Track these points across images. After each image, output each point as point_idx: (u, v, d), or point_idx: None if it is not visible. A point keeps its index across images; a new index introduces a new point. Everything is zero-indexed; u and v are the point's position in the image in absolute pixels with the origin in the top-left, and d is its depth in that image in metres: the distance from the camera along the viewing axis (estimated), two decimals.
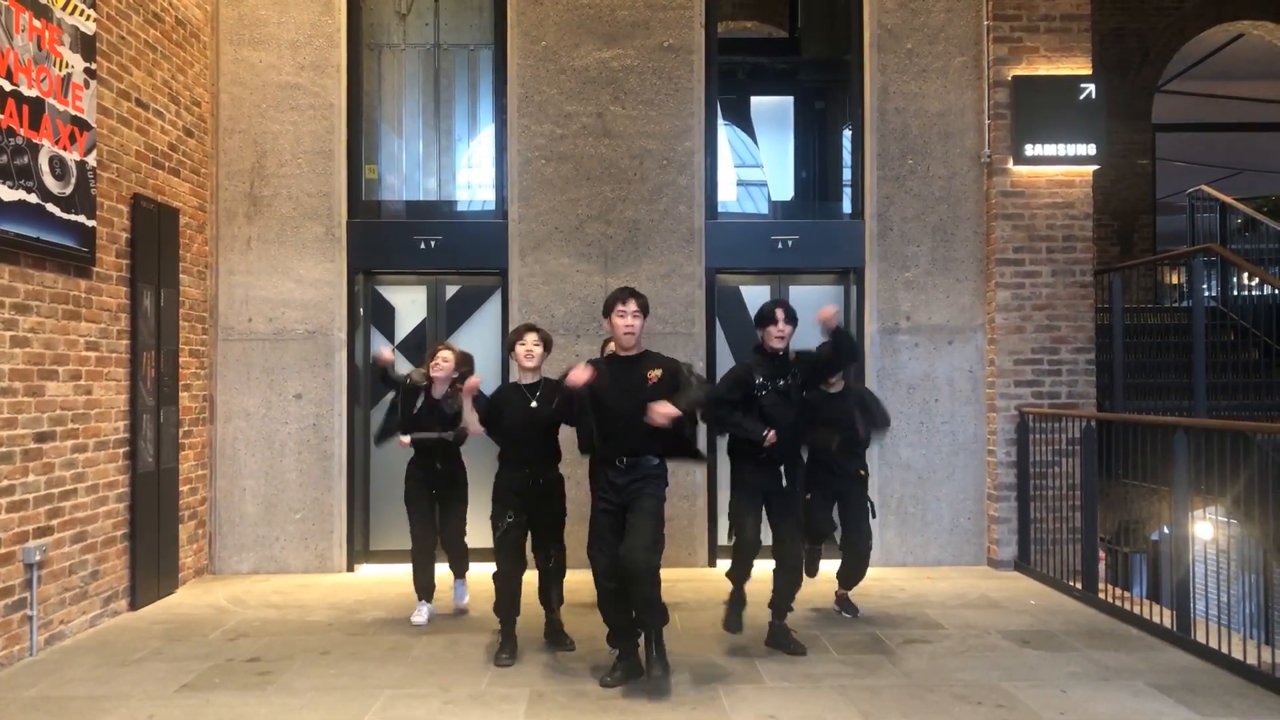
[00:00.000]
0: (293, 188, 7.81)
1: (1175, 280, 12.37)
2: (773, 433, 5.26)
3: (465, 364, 6.12)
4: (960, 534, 7.85)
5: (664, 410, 4.70)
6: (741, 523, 5.39)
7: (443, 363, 6.05)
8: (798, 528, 5.57)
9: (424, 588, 6.24)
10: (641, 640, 4.92)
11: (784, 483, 5.41)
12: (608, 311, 5.03)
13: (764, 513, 5.47)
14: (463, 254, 7.93)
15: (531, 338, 5.43)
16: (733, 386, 5.50)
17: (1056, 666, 5.20)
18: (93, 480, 6.08)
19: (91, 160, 5.96)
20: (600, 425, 4.90)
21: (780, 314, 5.54)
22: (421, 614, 6.17)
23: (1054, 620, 6.17)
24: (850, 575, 6.23)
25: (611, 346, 5.46)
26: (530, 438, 5.34)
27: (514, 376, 5.65)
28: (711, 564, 7.86)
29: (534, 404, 5.31)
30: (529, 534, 5.44)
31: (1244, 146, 14.86)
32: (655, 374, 4.93)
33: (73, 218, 5.74)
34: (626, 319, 4.95)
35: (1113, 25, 11.78)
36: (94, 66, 6.01)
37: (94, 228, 5.99)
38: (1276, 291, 8.32)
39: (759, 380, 5.42)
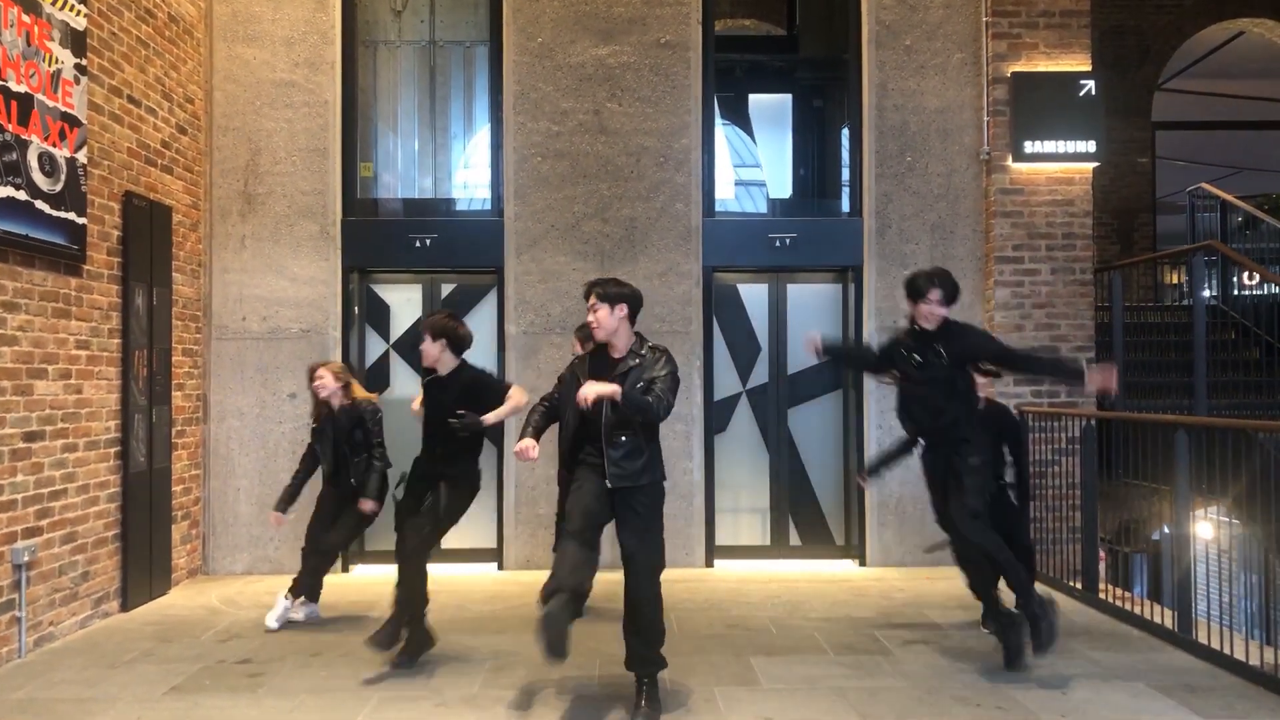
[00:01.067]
0: (287, 185, 7.75)
1: (1174, 280, 12.34)
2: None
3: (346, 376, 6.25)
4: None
5: (594, 390, 4.29)
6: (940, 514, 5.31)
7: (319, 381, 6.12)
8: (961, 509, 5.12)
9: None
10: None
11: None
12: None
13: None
14: (458, 252, 7.87)
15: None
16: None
17: (1056, 668, 5.14)
18: (83, 480, 6.01)
19: (82, 157, 5.90)
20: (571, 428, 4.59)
21: (936, 293, 5.10)
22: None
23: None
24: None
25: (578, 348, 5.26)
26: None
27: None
28: (709, 564, 7.80)
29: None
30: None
31: (1242, 145, 14.81)
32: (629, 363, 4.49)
33: (62, 215, 5.68)
34: (590, 315, 4.56)
35: (1112, 23, 11.72)
36: (84, 62, 5.94)
37: (84, 225, 5.93)
38: (1278, 290, 8.26)
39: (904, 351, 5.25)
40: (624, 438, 4.41)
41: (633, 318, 4.55)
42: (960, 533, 5.13)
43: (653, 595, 4.46)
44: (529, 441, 4.48)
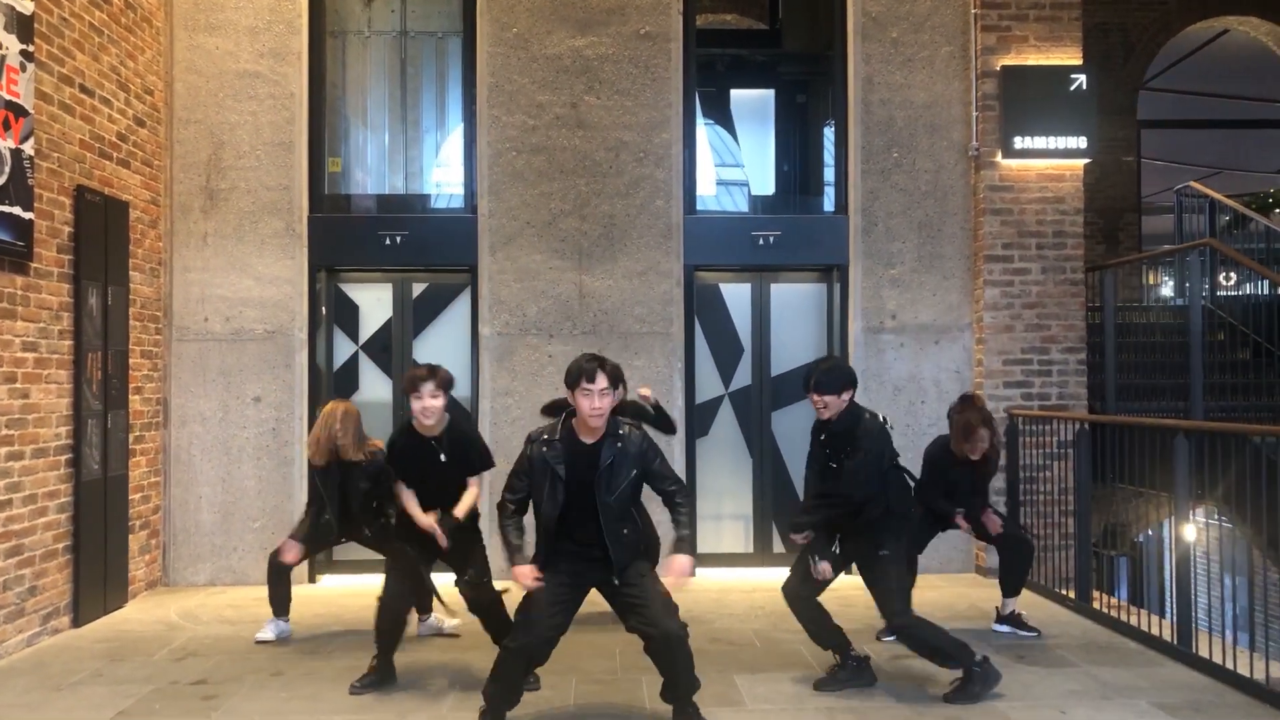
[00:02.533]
0: (251, 181, 7.45)
1: (1154, 280, 12.21)
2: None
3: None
4: (947, 541, 7.54)
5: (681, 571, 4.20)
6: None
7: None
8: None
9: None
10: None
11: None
12: (572, 384, 4.13)
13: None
14: (430, 250, 7.58)
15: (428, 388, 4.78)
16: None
17: (1054, 684, 4.92)
18: (30, 490, 5.69)
19: (28, 149, 5.58)
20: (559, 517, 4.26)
21: (810, 382, 4.84)
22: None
23: (1048, 632, 5.89)
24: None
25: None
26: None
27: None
28: (690, 573, 7.53)
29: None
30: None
31: (1224, 145, 14.74)
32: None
33: (7, 210, 5.36)
34: (593, 399, 4.08)
35: (1098, 20, 11.56)
36: (31, 49, 5.62)
37: (31, 220, 5.60)
38: (1278, 290, 8.09)
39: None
40: (626, 530, 4.22)
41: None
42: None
43: (680, 630, 4.15)
44: (530, 568, 4.18)
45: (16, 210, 5.46)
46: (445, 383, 4.80)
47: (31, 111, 5.62)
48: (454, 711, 4.56)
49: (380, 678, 4.89)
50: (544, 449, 4.22)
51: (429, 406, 4.73)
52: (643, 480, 4.27)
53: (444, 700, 4.72)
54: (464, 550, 4.94)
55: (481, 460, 4.98)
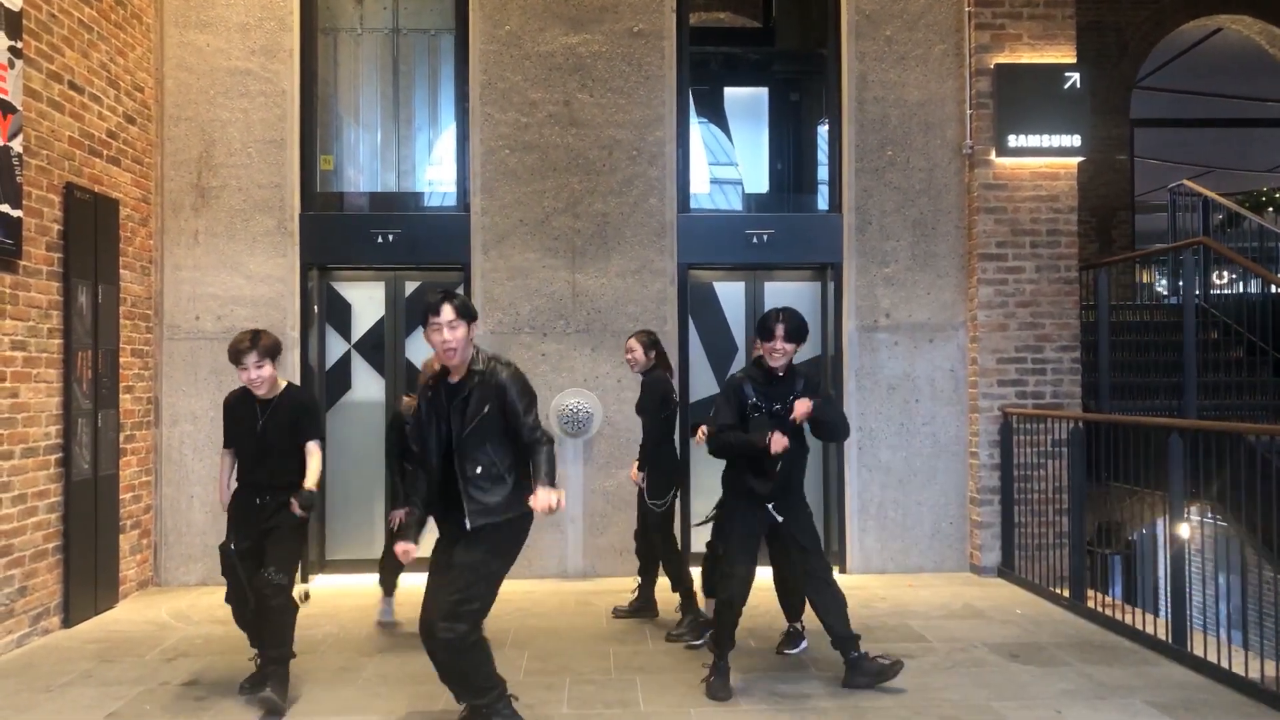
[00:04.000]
0: (243, 178, 7.40)
1: (1146, 278, 12.22)
2: (778, 436, 4.66)
3: None
4: (942, 539, 7.57)
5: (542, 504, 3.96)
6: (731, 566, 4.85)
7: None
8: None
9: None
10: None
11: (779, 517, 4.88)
12: (422, 323, 4.06)
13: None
14: (423, 248, 7.55)
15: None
16: (725, 407, 4.89)
17: (1048, 683, 4.91)
18: (20, 490, 5.65)
19: (17, 146, 5.53)
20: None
21: (780, 329, 4.80)
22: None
23: (1042, 631, 5.88)
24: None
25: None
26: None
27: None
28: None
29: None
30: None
31: (1217, 143, 14.75)
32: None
33: None
34: (442, 333, 3.98)
35: (1091, 18, 11.56)
36: (19, 45, 5.58)
37: (19, 218, 5.56)
38: (1273, 288, 8.09)
39: (753, 400, 4.86)
40: (480, 472, 4.02)
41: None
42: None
43: (445, 632, 3.94)
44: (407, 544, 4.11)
45: (5, 208, 5.41)
46: (269, 350, 4.65)
47: (20, 108, 5.58)
48: (447, 712, 4.53)
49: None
50: (426, 394, 4.17)
51: (254, 379, 4.62)
52: (504, 420, 4.04)
53: (436, 702, 4.68)
54: (275, 539, 4.65)
55: (313, 427, 4.74)
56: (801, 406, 4.76)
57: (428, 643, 3.99)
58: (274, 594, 4.57)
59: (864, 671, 4.84)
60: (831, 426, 5.00)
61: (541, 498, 3.94)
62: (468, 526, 3.96)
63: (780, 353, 4.81)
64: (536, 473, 4.05)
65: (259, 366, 4.61)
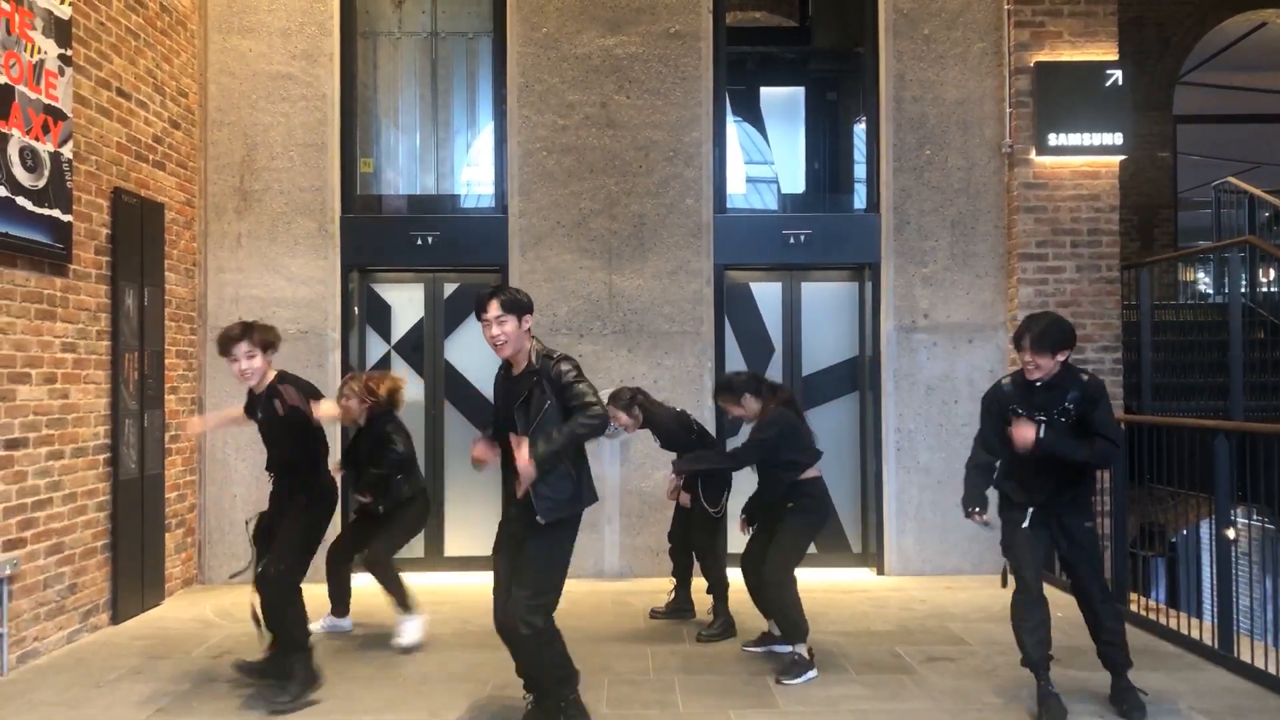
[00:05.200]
0: (284, 182, 7.50)
1: (1189, 277, 12.03)
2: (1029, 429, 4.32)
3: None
4: (980, 541, 7.49)
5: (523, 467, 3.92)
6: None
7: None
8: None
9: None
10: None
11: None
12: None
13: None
14: (461, 250, 7.61)
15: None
16: (984, 420, 4.68)
17: (1090, 686, 4.85)
18: (70, 489, 5.77)
19: (67, 151, 5.65)
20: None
21: (1027, 339, 4.40)
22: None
23: (1083, 635, 5.74)
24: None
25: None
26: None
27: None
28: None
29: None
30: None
31: (1262, 139, 14.49)
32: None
33: (46, 212, 5.43)
34: (490, 329, 4.05)
35: (1133, 14, 11.41)
36: (69, 53, 5.70)
37: (70, 223, 5.68)
38: None
39: (1013, 406, 4.50)
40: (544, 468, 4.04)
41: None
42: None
43: (524, 629, 4.01)
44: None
45: (56, 213, 5.53)
46: (264, 342, 4.61)
47: (70, 115, 5.69)
48: (488, 709, 4.57)
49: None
50: (497, 381, 4.29)
51: (246, 369, 4.59)
52: (564, 411, 4.02)
53: (479, 698, 4.72)
54: (279, 526, 4.70)
55: (302, 395, 4.75)
56: (1021, 432, 4.36)
57: (511, 643, 4.07)
58: (267, 583, 4.61)
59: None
60: (1065, 458, 4.40)
61: (522, 453, 3.91)
62: (541, 521, 3.99)
63: (1034, 366, 4.40)
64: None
65: (249, 357, 4.57)
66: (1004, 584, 4.72)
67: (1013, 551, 4.58)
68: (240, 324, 4.68)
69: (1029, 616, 4.48)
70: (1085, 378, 4.46)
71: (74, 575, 5.81)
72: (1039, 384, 4.45)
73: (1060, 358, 4.41)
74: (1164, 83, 11.75)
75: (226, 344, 4.61)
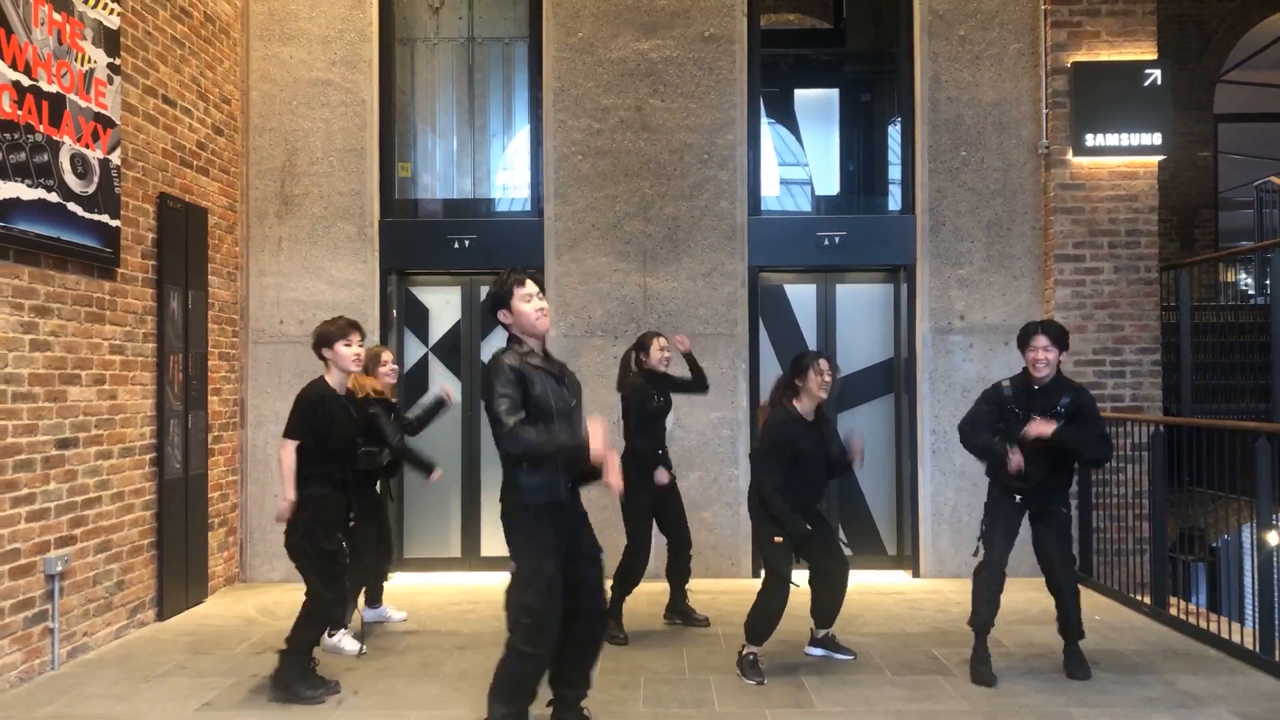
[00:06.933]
0: (324, 186, 7.62)
1: (1229, 278, 11.86)
2: (1018, 457, 4.91)
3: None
4: (1017, 544, 7.44)
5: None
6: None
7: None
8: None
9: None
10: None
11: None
12: (507, 297, 4.04)
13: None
14: (497, 253, 7.68)
15: None
16: (982, 404, 5.26)
17: (1130, 691, 4.83)
18: (118, 488, 5.90)
19: (115, 158, 5.78)
20: None
21: (1043, 335, 5.05)
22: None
23: (1123, 638, 5.79)
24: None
25: None
26: None
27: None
28: (755, 574, 7.53)
29: None
30: None
31: None
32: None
33: (95, 217, 5.57)
34: (534, 301, 4.01)
35: (1173, 11, 11.29)
36: (118, 62, 5.83)
37: (118, 227, 5.81)
38: None
39: (1010, 406, 5.08)
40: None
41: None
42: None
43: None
44: None
45: (105, 218, 5.66)
46: (314, 341, 5.21)
47: (118, 122, 5.83)
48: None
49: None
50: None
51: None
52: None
53: None
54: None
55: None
56: (1035, 427, 4.87)
57: (601, 634, 4.27)
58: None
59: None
60: (1075, 453, 5.01)
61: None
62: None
63: (1044, 362, 4.97)
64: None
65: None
66: (974, 554, 5.22)
67: (993, 527, 5.19)
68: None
69: (990, 583, 5.08)
70: (1078, 386, 5.12)
71: (122, 572, 5.94)
72: (1037, 388, 5.03)
73: (1062, 357, 5.07)
74: (1204, 81, 11.60)
75: (346, 330, 5.16)
